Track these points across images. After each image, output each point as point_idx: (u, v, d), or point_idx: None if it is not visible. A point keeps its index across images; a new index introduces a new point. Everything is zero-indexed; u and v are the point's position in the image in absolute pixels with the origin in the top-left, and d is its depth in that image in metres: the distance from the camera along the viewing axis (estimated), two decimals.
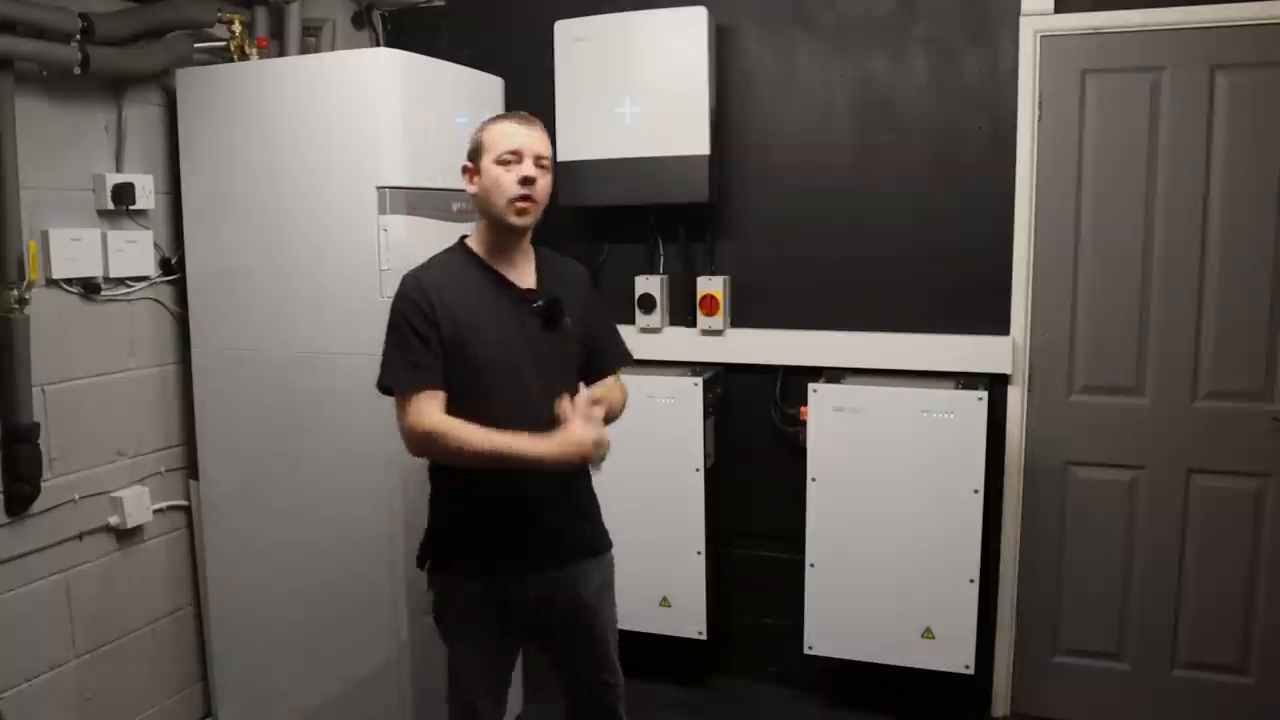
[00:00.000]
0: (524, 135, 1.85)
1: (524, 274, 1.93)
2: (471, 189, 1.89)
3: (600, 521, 2.06)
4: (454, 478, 1.88)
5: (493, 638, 1.96)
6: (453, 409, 1.81)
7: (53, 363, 2.35)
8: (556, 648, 2.03)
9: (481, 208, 1.89)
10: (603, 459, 1.82)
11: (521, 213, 1.85)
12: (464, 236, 1.96)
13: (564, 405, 1.79)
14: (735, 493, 3.02)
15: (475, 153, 1.88)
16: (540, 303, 1.89)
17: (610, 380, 2.04)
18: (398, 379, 1.81)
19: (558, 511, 1.91)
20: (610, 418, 1.89)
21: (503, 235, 1.89)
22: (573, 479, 1.93)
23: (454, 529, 1.92)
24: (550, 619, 1.97)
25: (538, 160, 1.85)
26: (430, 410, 1.78)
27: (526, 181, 1.83)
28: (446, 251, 1.95)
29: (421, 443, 1.80)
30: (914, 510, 2.66)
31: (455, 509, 1.92)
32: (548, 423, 1.80)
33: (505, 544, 1.89)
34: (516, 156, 1.84)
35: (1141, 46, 2.58)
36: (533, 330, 1.89)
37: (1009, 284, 2.73)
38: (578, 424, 1.77)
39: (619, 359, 2.09)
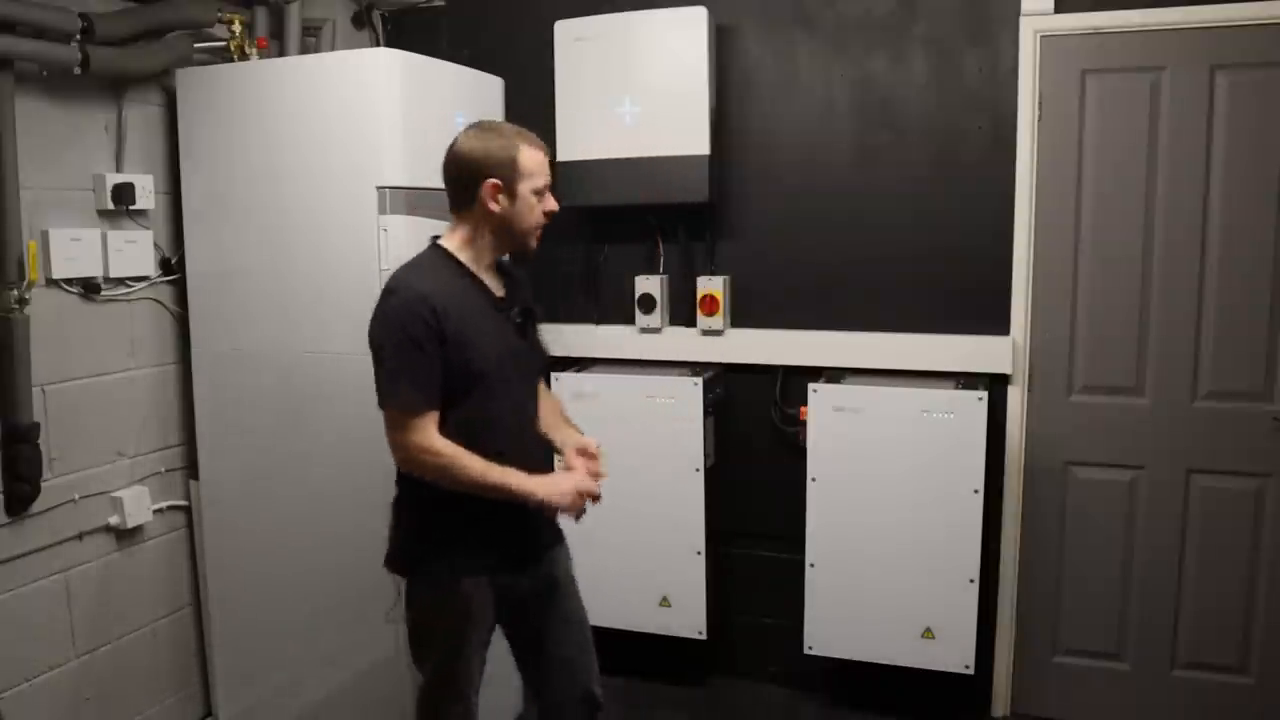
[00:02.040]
0: (547, 166, 1.92)
1: (496, 282, 1.96)
2: (495, 206, 1.85)
3: None
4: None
5: (487, 632, 1.98)
6: (450, 414, 1.82)
7: (53, 363, 2.35)
8: (533, 635, 2.05)
9: (496, 224, 1.87)
10: (584, 513, 1.88)
11: (539, 239, 1.94)
12: (436, 239, 1.93)
13: (571, 455, 1.93)
14: (735, 493, 3.02)
15: (510, 174, 1.85)
16: (519, 314, 1.96)
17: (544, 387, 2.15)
18: (404, 399, 1.78)
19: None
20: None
21: (499, 250, 1.93)
22: (541, 471, 1.93)
23: (452, 529, 1.88)
24: (535, 605, 2.02)
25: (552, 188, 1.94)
26: (432, 430, 1.79)
27: (550, 215, 1.91)
28: (428, 257, 1.91)
29: (418, 461, 1.79)
30: (914, 510, 2.66)
31: (451, 510, 1.86)
32: (532, 422, 1.97)
33: (506, 537, 1.91)
34: (546, 187, 1.91)
35: (1141, 46, 2.58)
36: (513, 338, 1.95)
37: (1009, 284, 2.73)
38: (580, 475, 1.86)
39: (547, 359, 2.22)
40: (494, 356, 1.87)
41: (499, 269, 1.98)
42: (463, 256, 1.90)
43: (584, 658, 2.08)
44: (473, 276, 1.90)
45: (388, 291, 1.82)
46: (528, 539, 1.96)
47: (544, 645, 2.05)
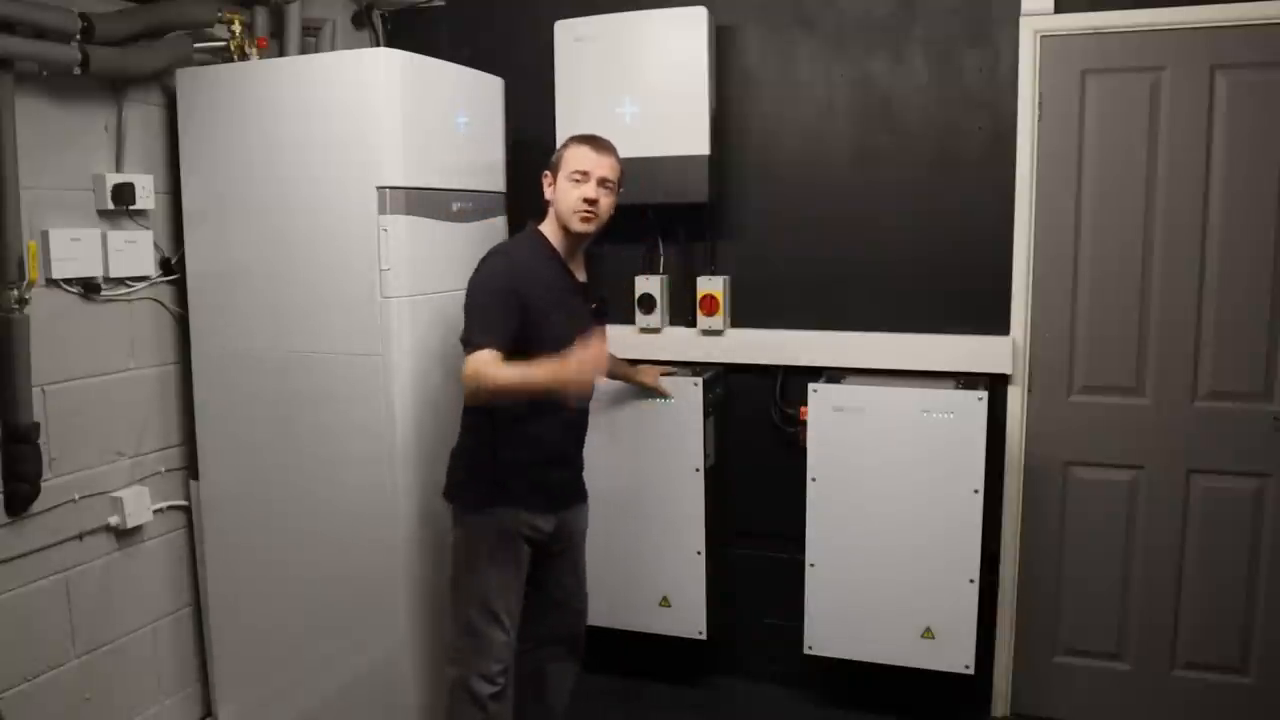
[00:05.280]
0: (593, 160, 2.22)
1: (580, 268, 2.32)
2: (549, 194, 2.27)
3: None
4: (500, 429, 2.21)
5: (517, 564, 2.27)
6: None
7: (53, 363, 2.35)
8: (548, 576, 2.38)
9: (555, 210, 2.25)
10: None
11: (584, 220, 2.22)
12: (536, 224, 2.29)
13: (647, 371, 2.83)
14: (735, 493, 3.02)
15: (555, 165, 2.26)
16: (597, 304, 2.36)
17: None
18: (476, 335, 2.13)
19: (574, 462, 2.40)
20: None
21: (569, 235, 2.25)
22: (579, 438, 2.38)
23: (500, 471, 2.23)
24: (554, 550, 2.34)
25: (602, 182, 2.23)
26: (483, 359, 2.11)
27: (589, 200, 2.21)
28: (526, 237, 2.28)
29: (471, 376, 2.09)
30: (914, 510, 2.65)
31: (503, 455, 2.22)
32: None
33: (543, 484, 2.26)
34: (585, 176, 2.21)
35: (1141, 46, 2.58)
36: (586, 320, 2.27)
37: (1009, 284, 2.73)
38: (584, 353, 2.05)
39: None
40: (565, 330, 2.15)
41: (588, 260, 2.36)
42: (552, 240, 2.27)
43: (578, 605, 2.49)
44: (558, 259, 2.26)
45: (486, 256, 2.24)
46: (561, 489, 2.34)
47: (547, 586, 2.39)
